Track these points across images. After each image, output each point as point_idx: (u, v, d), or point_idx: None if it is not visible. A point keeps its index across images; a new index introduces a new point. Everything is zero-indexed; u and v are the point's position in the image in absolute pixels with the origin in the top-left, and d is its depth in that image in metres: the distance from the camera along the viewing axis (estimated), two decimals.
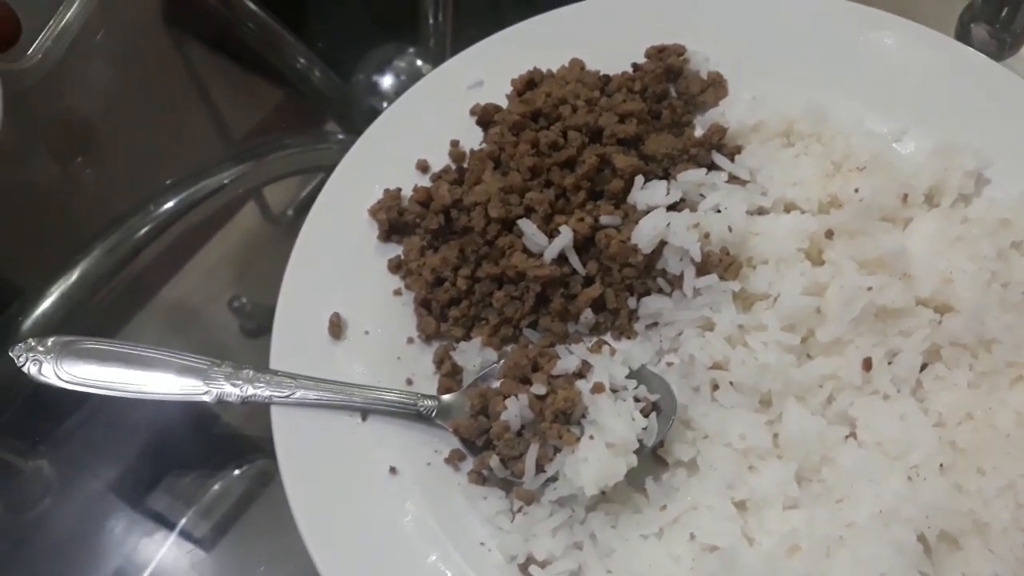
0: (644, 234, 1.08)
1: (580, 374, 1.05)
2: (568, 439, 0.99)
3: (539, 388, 1.03)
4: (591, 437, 0.98)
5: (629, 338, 1.13)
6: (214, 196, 1.49)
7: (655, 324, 1.12)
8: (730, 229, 1.08)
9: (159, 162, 1.54)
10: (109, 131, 1.62)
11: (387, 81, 1.59)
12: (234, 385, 1.07)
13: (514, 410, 1.02)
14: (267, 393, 1.06)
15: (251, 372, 1.08)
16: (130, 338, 1.25)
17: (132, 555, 1.17)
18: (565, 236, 1.09)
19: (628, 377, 1.04)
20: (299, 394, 1.06)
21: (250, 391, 1.07)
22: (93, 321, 1.36)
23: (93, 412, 1.26)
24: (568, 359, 1.05)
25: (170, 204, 1.46)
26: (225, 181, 1.51)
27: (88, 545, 1.18)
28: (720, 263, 1.08)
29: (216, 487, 1.23)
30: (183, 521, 1.20)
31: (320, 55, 1.64)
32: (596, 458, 0.96)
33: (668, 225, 1.08)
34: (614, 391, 1.02)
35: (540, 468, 1.00)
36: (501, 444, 1.02)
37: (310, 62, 1.64)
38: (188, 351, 1.10)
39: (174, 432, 1.25)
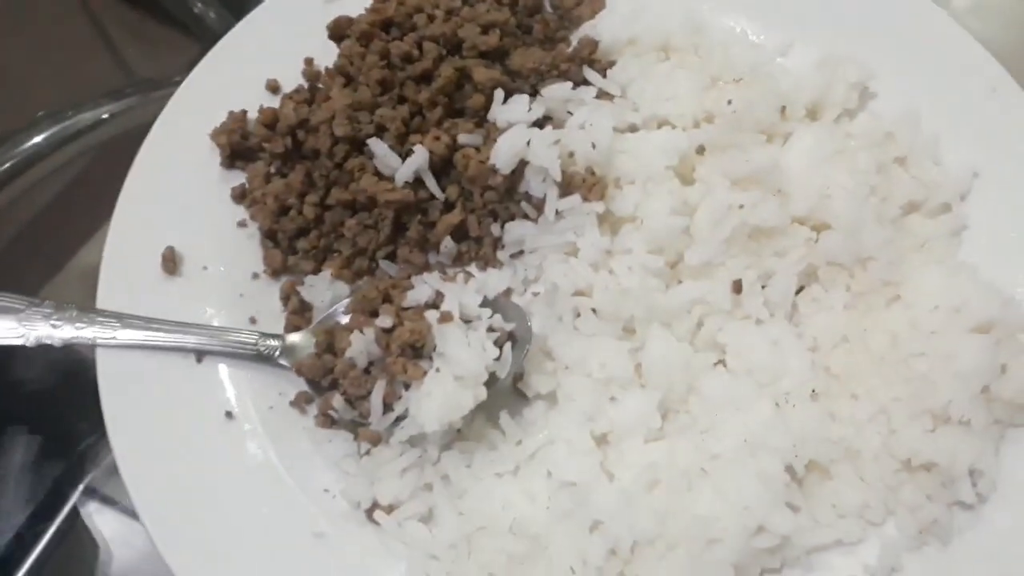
0: (502, 153, 0.99)
1: (434, 305, 0.97)
2: (414, 373, 0.91)
3: (385, 320, 0.94)
4: (437, 370, 0.91)
5: (496, 268, 1.05)
6: (90, 132, 1.37)
7: (521, 252, 1.04)
8: (594, 146, 1.00)
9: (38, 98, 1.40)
10: None
11: None
12: (54, 326, 0.97)
13: (359, 345, 0.94)
14: (91, 335, 0.97)
15: (74, 312, 0.98)
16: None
17: None
18: (419, 156, 1.00)
19: (482, 306, 0.96)
20: (126, 335, 0.97)
21: (71, 333, 0.97)
22: None
23: None
24: (420, 289, 0.97)
25: (39, 138, 1.33)
26: (103, 116, 1.39)
27: None
28: (584, 183, 1.00)
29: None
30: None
31: None
32: (441, 392, 0.89)
33: (528, 143, 0.99)
34: (467, 321, 0.95)
35: (388, 407, 0.93)
36: (346, 382, 0.94)
37: (205, 3, 1.52)
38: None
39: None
